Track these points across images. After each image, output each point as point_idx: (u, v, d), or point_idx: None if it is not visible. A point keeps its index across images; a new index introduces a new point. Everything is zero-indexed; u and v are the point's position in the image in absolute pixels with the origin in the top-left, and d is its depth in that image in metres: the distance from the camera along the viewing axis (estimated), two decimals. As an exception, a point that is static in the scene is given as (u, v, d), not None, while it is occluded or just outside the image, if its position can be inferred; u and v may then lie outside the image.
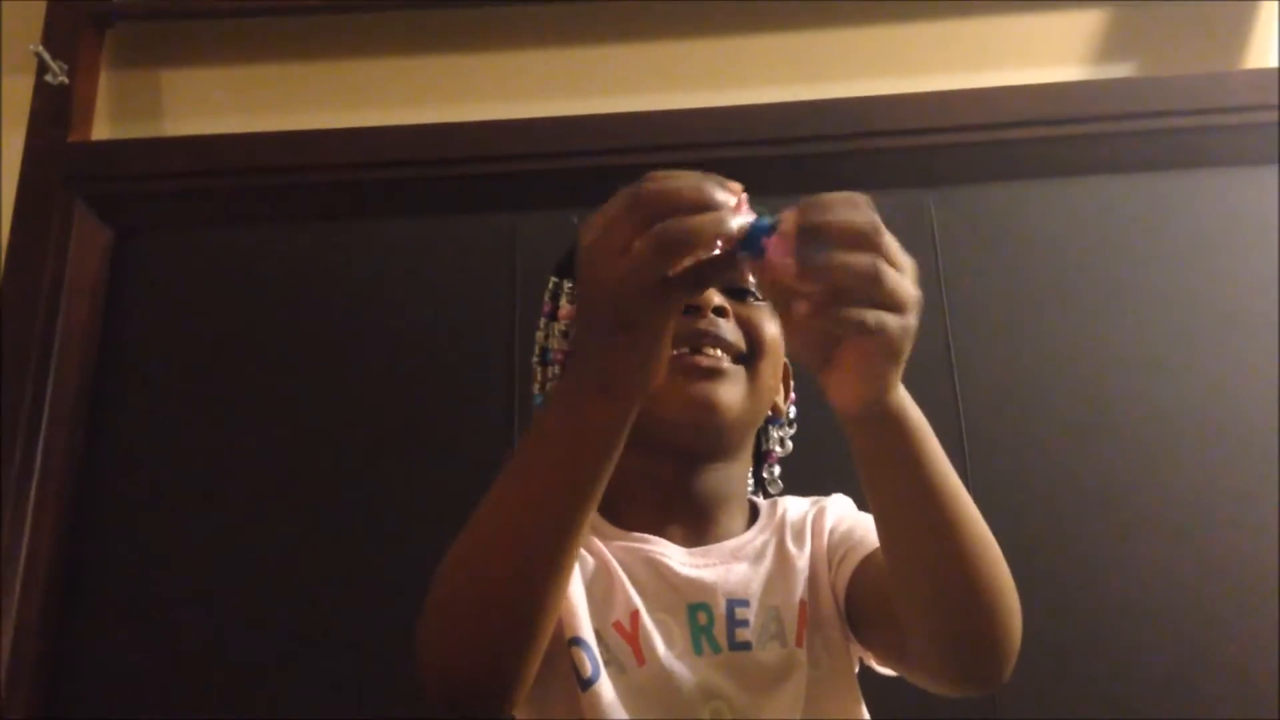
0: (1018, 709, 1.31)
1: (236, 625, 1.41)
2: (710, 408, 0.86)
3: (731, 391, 0.87)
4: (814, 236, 0.58)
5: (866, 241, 0.58)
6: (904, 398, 0.66)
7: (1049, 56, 1.68)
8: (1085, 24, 1.70)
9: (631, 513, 0.91)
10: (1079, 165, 1.57)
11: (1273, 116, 1.52)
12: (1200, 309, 1.49)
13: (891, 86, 1.59)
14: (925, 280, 1.54)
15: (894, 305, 0.59)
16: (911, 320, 0.61)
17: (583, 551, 0.88)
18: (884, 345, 0.60)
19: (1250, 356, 1.46)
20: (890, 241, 0.59)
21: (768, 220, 0.61)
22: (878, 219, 0.59)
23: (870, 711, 0.89)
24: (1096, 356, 1.47)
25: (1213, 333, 1.48)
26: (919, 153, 1.54)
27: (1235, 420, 1.44)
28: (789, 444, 1.02)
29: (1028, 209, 1.56)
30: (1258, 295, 1.49)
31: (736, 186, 0.62)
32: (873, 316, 0.59)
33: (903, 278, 0.60)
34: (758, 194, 0.64)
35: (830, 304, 0.59)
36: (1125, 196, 1.56)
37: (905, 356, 0.62)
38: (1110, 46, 1.69)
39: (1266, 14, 1.68)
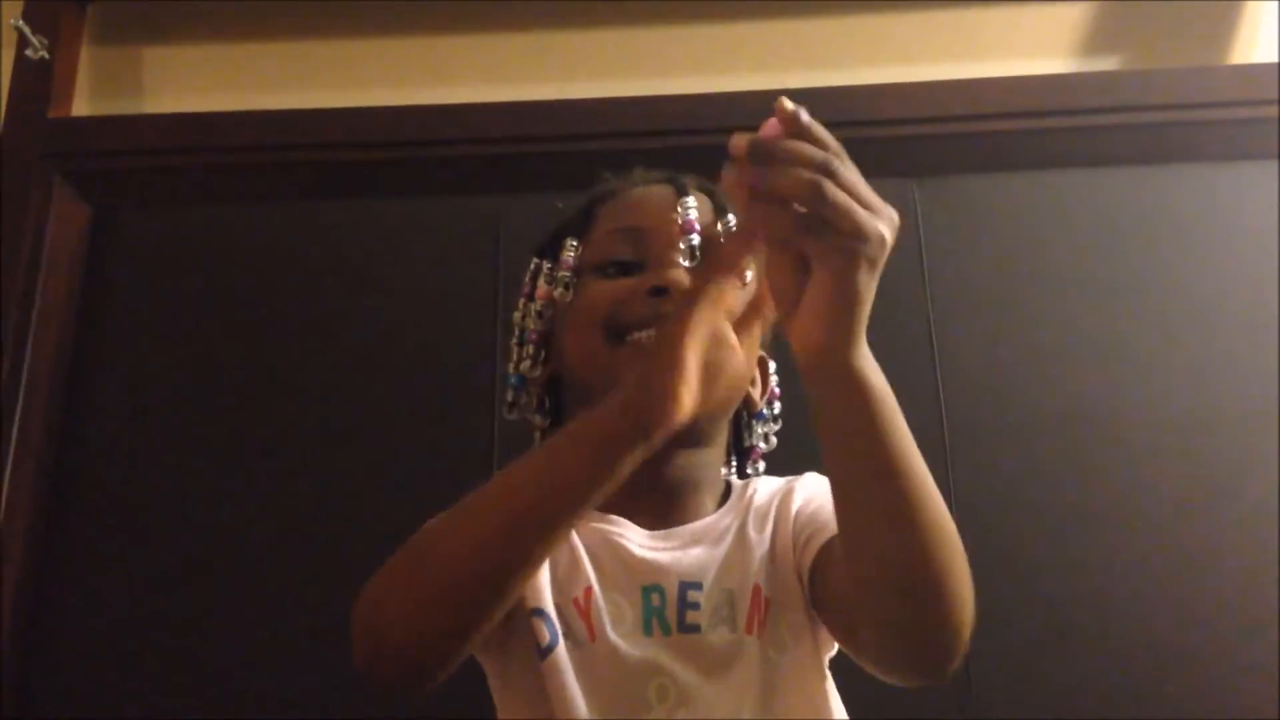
0: (990, 705, 1.32)
1: (216, 605, 1.40)
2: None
3: None
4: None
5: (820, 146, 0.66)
6: (868, 360, 0.68)
7: (1035, 49, 1.68)
8: (1071, 17, 1.70)
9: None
10: (1064, 157, 1.57)
11: (1257, 112, 1.52)
12: (1181, 302, 1.50)
13: (878, 76, 1.59)
14: (909, 269, 1.55)
15: (857, 200, 0.64)
16: (883, 228, 0.64)
17: None
18: (849, 248, 0.63)
19: (1238, 351, 1.47)
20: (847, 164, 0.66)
21: None
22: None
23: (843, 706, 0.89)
24: (1080, 349, 1.48)
25: (1192, 326, 1.48)
26: (904, 142, 1.54)
27: (1229, 416, 1.44)
28: (774, 440, 1.02)
29: (1012, 200, 1.56)
30: (1238, 289, 1.50)
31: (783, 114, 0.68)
32: (831, 193, 0.63)
33: (861, 184, 0.65)
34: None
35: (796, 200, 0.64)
36: (1110, 189, 1.56)
37: (875, 275, 0.65)
38: (1095, 40, 1.69)
39: (1251, 10, 1.68)
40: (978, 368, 1.47)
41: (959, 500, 1.39)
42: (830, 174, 0.64)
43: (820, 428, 0.70)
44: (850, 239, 0.63)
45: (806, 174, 0.63)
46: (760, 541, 0.90)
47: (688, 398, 0.68)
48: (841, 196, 0.63)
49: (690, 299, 0.70)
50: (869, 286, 0.65)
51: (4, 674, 1.37)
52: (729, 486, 0.97)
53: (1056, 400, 1.46)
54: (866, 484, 0.70)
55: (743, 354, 0.73)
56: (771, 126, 0.67)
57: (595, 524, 0.89)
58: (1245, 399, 1.45)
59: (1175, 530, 1.39)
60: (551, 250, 0.98)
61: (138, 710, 1.36)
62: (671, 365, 0.68)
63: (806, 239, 0.64)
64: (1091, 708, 1.33)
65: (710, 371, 0.70)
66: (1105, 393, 1.46)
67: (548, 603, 0.84)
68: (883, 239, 0.64)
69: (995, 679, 1.32)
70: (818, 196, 0.63)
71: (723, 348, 0.71)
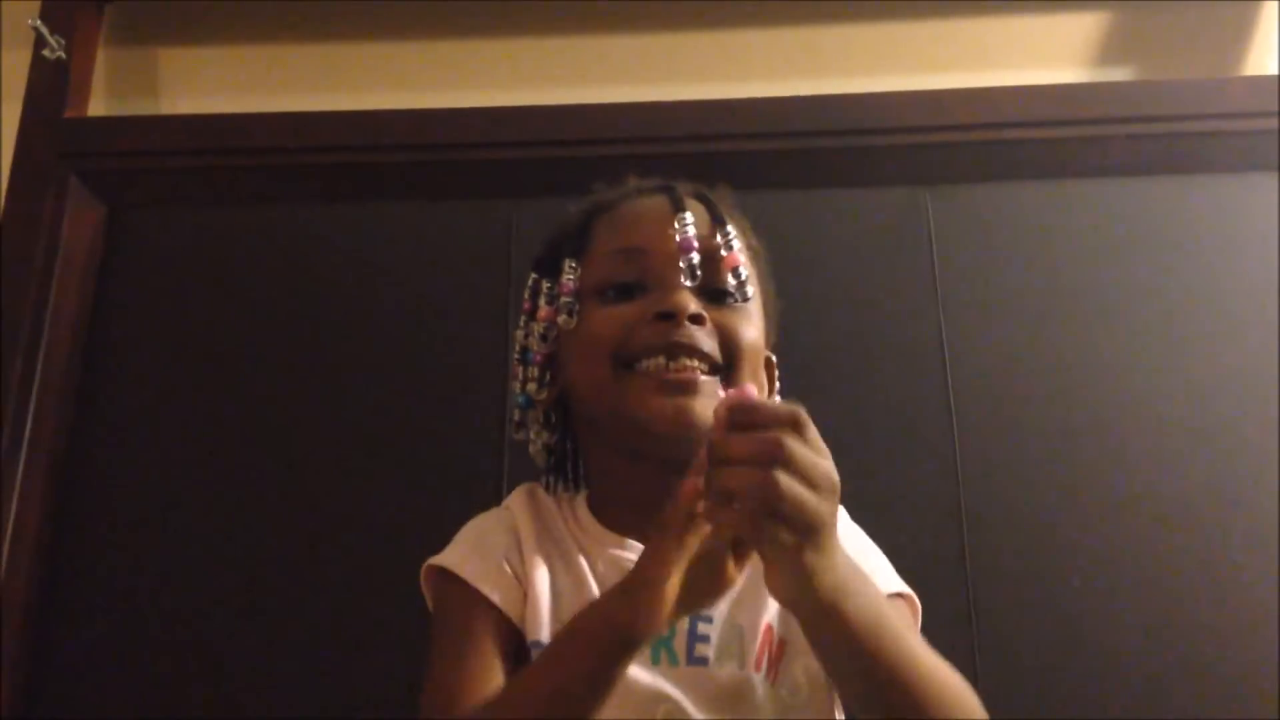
0: (998, 711, 1.31)
1: (223, 609, 1.40)
2: (684, 423, 0.86)
3: (706, 404, 0.86)
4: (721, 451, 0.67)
5: (765, 457, 0.65)
6: (841, 590, 0.69)
7: (1049, 58, 1.68)
8: (1086, 26, 1.70)
9: (616, 514, 0.92)
10: (1077, 167, 1.57)
11: (1272, 123, 1.52)
12: (1195, 314, 1.49)
13: (891, 84, 1.59)
14: (920, 278, 1.55)
15: (787, 513, 0.65)
16: (829, 508, 0.67)
17: (555, 555, 0.90)
18: (781, 548, 0.66)
19: (1243, 362, 1.46)
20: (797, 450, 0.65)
21: None
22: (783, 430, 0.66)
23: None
24: (1090, 359, 1.47)
25: (1206, 338, 1.48)
26: (917, 151, 1.54)
27: (1231, 426, 1.43)
28: None
29: (1025, 210, 1.55)
30: (1252, 302, 1.49)
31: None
32: (768, 525, 0.65)
33: (810, 460, 0.66)
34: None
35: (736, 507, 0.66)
36: (1122, 200, 1.56)
37: (814, 554, 0.67)
38: (1110, 49, 1.69)
39: (1267, 19, 1.68)
40: (989, 377, 1.47)
41: (968, 508, 1.39)
42: (783, 462, 0.65)
43: (810, 646, 0.75)
44: (802, 533, 0.65)
45: (756, 472, 0.65)
46: None
47: (667, 612, 0.70)
48: (794, 490, 0.65)
49: (680, 525, 0.70)
50: (822, 554, 0.67)
51: (5, 675, 1.37)
52: None
53: (1068, 410, 1.45)
54: (865, 696, 0.73)
55: (735, 576, 0.73)
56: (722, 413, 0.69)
57: (609, 548, 0.89)
58: (1263, 410, 1.44)
59: (1189, 540, 1.39)
60: (550, 268, 0.97)
61: (141, 713, 1.36)
62: (656, 583, 0.69)
63: (756, 538, 0.67)
64: (1100, 713, 1.32)
65: (698, 586, 0.71)
66: (1116, 404, 1.45)
67: (545, 634, 0.85)
68: (831, 521, 0.67)
69: (1003, 685, 1.31)
70: (768, 493, 0.64)
71: (714, 572, 0.72)
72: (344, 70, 1.72)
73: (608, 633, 0.72)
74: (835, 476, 0.67)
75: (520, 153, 1.57)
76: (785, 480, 0.64)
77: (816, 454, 0.67)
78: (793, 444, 0.65)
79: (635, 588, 0.71)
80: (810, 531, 0.66)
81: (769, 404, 0.70)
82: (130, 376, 1.53)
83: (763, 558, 0.69)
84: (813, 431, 0.67)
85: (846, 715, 0.86)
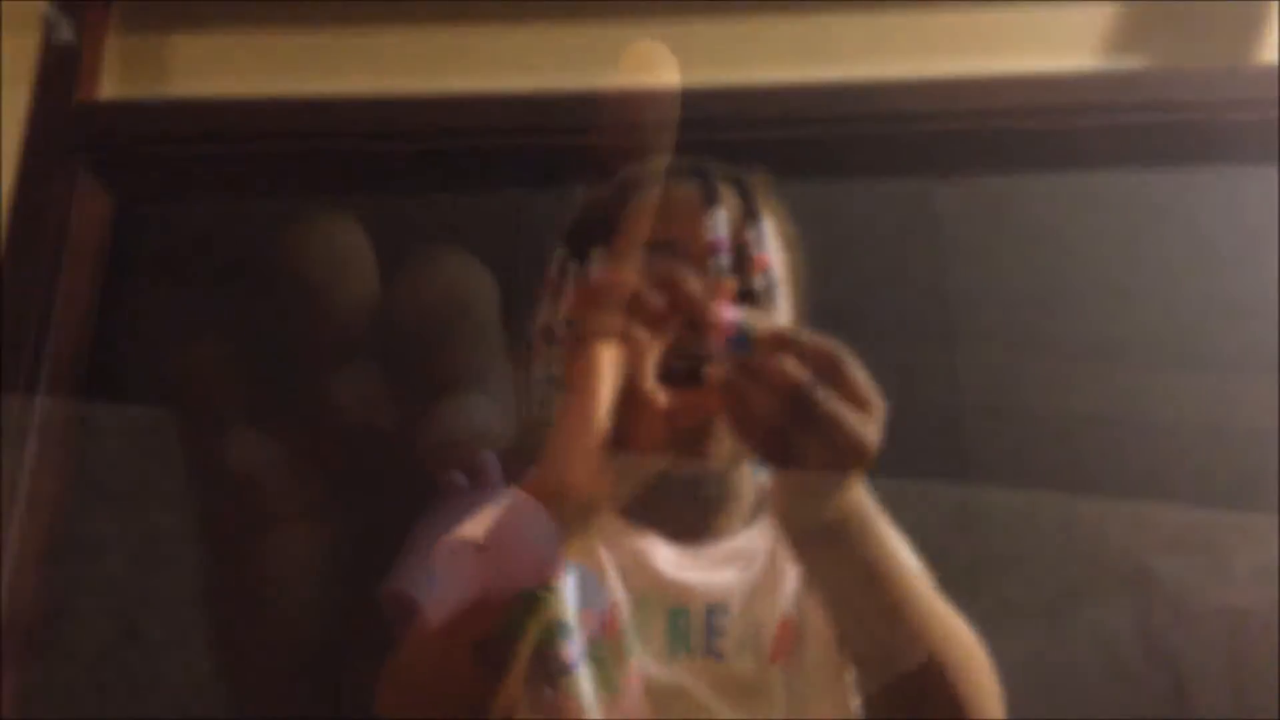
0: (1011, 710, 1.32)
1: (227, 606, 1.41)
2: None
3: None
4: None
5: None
6: (848, 517, 0.67)
7: (1060, 47, 1.67)
8: (1097, 15, 1.69)
9: (632, 505, 0.91)
10: (1086, 157, 1.56)
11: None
12: (1202, 305, 1.49)
13: (899, 72, 1.58)
14: (927, 268, 1.54)
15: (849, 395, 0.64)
16: (867, 426, 0.65)
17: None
18: (835, 441, 0.64)
19: (1250, 352, 1.46)
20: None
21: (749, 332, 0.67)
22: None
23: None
24: (1096, 349, 1.48)
25: (1214, 328, 1.48)
26: (924, 139, 1.53)
27: (1234, 415, 1.44)
28: None
29: (1032, 200, 1.55)
30: (1261, 293, 1.49)
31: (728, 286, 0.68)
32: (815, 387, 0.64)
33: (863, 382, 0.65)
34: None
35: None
36: (1132, 190, 1.56)
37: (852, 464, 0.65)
38: (1122, 38, 1.68)
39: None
40: (995, 365, 1.47)
41: (976, 504, 1.39)
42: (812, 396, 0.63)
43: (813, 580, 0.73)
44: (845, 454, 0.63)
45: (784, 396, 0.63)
46: (793, 569, 0.88)
47: (595, 450, 0.65)
48: (852, 371, 0.65)
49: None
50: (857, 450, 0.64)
51: (5, 676, 1.37)
52: (762, 498, 0.95)
53: (1074, 400, 1.45)
54: (869, 643, 0.71)
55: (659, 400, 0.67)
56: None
57: (628, 540, 0.88)
58: (1266, 400, 1.44)
59: (1184, 535, 1.39)
60: (577, 247, 0.95)
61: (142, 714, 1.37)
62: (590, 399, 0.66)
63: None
64: (1103, 711, 1.33)
65: (627, 427, 0.67)
66: (1122, 393, 1.45)
67: (570, 618, 0.83)
68: (871, 448, 0.64)
69: (1009, 683, 1.32)
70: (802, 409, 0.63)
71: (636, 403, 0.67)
72: (355, 57, 1.71)
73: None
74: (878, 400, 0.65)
75: (530, 140, 1.57)
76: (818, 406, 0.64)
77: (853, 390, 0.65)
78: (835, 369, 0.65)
79: (569, 433, 0.66)
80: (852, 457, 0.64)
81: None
82: (139, 364, 1.53)
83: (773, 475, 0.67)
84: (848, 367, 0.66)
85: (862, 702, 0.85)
